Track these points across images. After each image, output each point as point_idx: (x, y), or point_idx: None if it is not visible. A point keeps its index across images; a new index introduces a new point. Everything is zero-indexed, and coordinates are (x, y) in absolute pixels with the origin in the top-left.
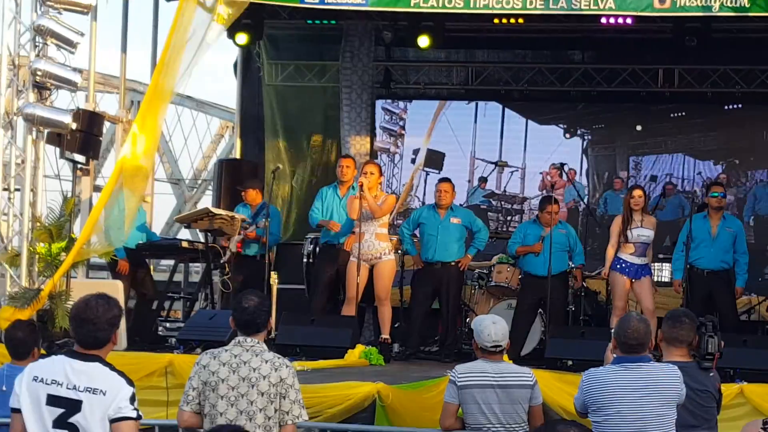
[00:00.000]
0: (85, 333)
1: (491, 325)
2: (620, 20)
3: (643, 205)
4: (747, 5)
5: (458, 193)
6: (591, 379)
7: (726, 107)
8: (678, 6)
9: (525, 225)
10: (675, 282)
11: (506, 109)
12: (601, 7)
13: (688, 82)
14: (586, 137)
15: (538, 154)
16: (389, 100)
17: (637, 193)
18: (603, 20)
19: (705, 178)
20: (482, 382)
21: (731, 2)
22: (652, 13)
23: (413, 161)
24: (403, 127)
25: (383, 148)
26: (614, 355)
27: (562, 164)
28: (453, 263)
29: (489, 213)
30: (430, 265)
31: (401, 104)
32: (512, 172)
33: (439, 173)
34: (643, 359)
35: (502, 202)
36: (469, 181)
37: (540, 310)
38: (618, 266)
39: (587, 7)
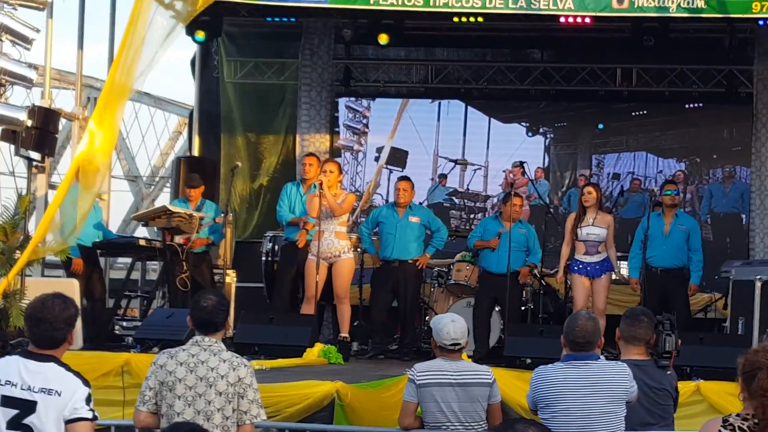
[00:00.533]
0: (41, 332)
1: (450, 324)
2: (579, 20)
3: (595, 203)
4: (702, 6)
5: (422, 191)
6: (540, 376)
7: (687, 106)
8: (636, 6)
9: (486, 220)
10: (632, 280)
11: (469, 108)
12: (560, 7)
13: (646, 82)
14: (548, 135)
15: (501, 152)
16: (353, 99)
17: (587, 189)
18: (562, 20)
19: (668, 176)
20: (441, 380)
21: (687, 3)
22: (610, 13)
23: (377, 159)
24: (366, 125)
25: (347, 146)
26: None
27: (522, 162)
28: (411, 261)
29: (452, 211)
30: (389, 264)
31: (365, 102)
32: (475, 171)
33: (402, 171)
34: (591, 357)
35: (465, 200)
36: (432, 179)
37: (497, 307)
38: (576, 267)
39: (546, 7)
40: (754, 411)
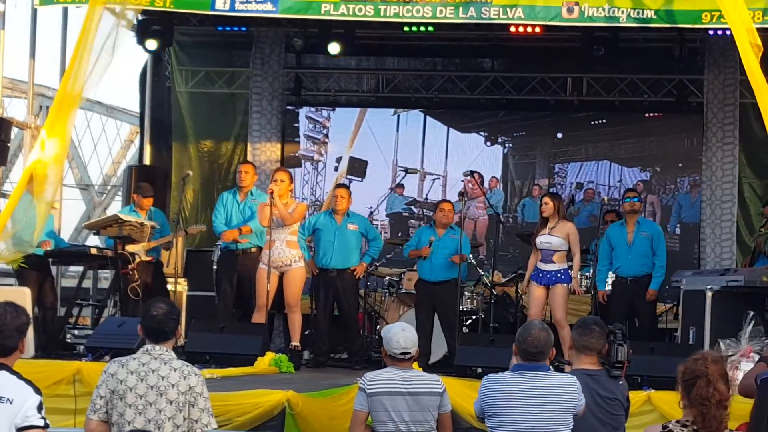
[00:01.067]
0: None
1: (400, 333)
2: (529, 29)
3: (553, 213)
4: (651, 17)
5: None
6: (488, 384)
7: (646, 115)
8: (586, 16)
9: (421, 230)
10: (599, 293)
11: (428, 117)
12: (510, 16)
13: (597, 91)
14: (506, 145)
15: (460, 161)
16: (312, 109)
17: (545, 200)
18: (512, 29)
19: (628, 185)
20: (392, 389)
21: (637, 14)
22: (560, 22)
23: (336, 169)
24: (326, 136)
25: (307, 156)
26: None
27: (473, 172)
28: (348, 271)
29: (410, 220)
30: (326, 272)
31: (324, 113)
32: (434, 180)
33: (362, 181)
34: (541, 368)
35: (424, 210)
36: (391, 189)
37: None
38: (532, 274)
39: (497, 16)
40: (693, 418)
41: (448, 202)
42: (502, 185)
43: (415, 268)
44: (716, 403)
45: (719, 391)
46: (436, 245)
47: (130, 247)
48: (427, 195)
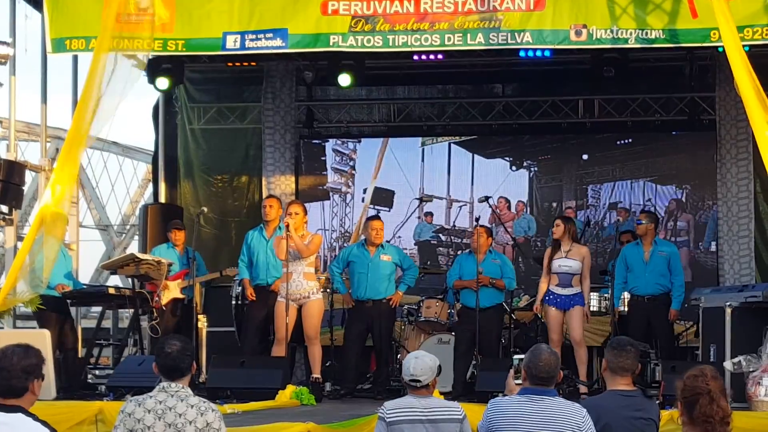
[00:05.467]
0: (1, 382)
1: (412, 360)
2: (539, 53)
3: (564, 235)
4: (658, 37)
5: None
6: (494, 406)
7: (673, 133)
8: (594, 39)
9: (461, 258)
10: (616, 311)
11: (452, 145)
12: (519, 41)
13: (608, 112)
14: (532, 169)
15: (486, 187)
16: (339, 141)
17: (555, 222)
18: (522, 53)
19: (667, 202)
20: (411, 417)
21: (643, 34)
22: (568, 45)
23: (363, 200)
24: (353, 168)
25: (335, 189)
26: (516, 383)
27: (487, 197)
28: (384, 300)
29: (439, 248)
30: (362, 303)
31: (351, 144)
32: (461, 207)
33: (389, 210)
34: (548, 392)
35: (452, 237)
36: (419, 218)
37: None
38: (548, 298)
39: (504, 42)
40: None
41: (482, 227)
42: (528, 209)
43: (435, 296)
44: (719, 420)
45: (722, 407)
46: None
47: (167, 285)
48: (454, 222)
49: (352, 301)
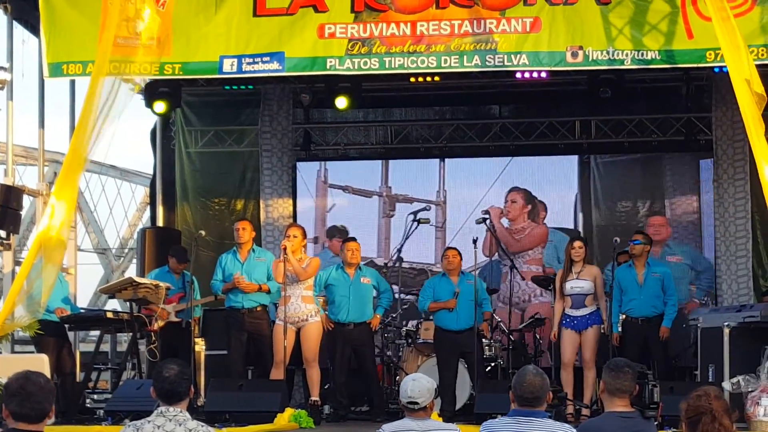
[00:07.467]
0: (32, 406)
1: (410, 382)
2: (535, 74)
3: (585, 256)
4: (654, 58)
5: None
6: (486, 429)
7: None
8: (590, 60)
9: (432, 280)
10: (613, 335)
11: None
12: (515, 63)
13: (605, 133)
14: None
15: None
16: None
17: (578, 244)
18: (518, 75)
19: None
20: None
21: (639, 55)
22: (565, 67)
23: None
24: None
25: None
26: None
27: (484, 219)
28: (366, 323)
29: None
30: (342, 326)
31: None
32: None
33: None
34: (536, 414)
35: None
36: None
37: (465, 365)
38: (564, 321)
39: (501, 64)
40: None
41: (452, 249)
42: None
43: (431, 318)
44: None
45: (725, 426)
46: (459, 294)
47: (164, 307)
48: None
49: (331, 323)
